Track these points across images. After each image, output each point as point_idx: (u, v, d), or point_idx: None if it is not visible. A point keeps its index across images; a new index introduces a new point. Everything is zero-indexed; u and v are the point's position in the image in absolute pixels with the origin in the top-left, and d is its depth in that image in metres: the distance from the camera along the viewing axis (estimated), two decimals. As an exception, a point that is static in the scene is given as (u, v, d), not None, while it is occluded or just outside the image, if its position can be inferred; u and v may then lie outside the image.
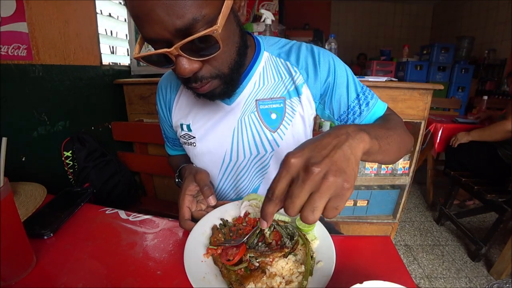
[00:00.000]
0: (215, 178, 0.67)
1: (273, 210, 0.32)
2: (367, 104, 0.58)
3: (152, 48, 0.42)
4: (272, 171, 0.65)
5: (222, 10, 0.40)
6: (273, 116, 0.59)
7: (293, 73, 0.58)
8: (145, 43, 0.46)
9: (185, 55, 0.40)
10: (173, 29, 0.37)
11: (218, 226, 0.50)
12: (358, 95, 0.58)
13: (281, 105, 0.59)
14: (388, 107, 0.61)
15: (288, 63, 0.59)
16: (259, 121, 0.59)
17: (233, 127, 0.60)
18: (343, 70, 0.58)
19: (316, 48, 0.59)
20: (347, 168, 0.30)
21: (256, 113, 0.59)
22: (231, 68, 0.48)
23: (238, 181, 0.66)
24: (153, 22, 0.37)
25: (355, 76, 0.60)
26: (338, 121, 0.61)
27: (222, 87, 0.49)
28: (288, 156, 0.30)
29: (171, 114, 0.67)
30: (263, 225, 0.33)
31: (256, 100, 0.59)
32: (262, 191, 0.68)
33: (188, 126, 0.63)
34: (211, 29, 0.38)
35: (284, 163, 0.30)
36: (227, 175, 0.66)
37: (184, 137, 0.65)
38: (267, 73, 0.59)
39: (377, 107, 0.59)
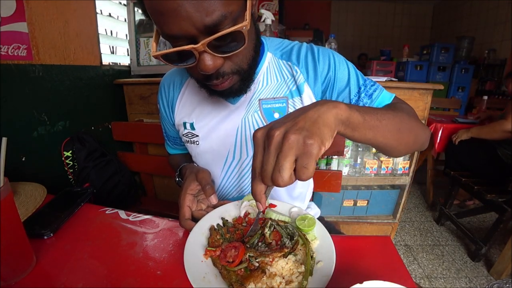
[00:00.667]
0: (218, 177, 0.68)
1: (261, 188, 0.33)
2: (370, 96, 0.56)
3: (169, 45, 0.42)
4: None
5: (248, 6, 0.40)
6: (276, 115, 0.60)
7: (295, 73, 0.59)
8: (160, 41, 0.45)
9: (210, 51, 0.40)
10: (202, 25, 0.37)
11: (215, 227, 0.50)
12: (360, 88, 0.57)
13: (284, 104, 0.60)
14: (396, 96, 0.58)
15: (290, 63, 0.60)
16: (262, 120, 0.60)
17: (237, 126, 0.61)
18: (343, 64, 0.58)
19: (315, 47, 0.59)
20: (311, 127, 0.29)
21: (259, 112, 0.60)
22: (249, 64, 0.49)
23: (241, 180, 0.66)
24: (181, 18, 0.37)
25: (357, 70, 0.58)
26: None
27: (239, 84, 0.50)
28: (254, 131, 0.32)
29: (174, 113, 0.67)
30: (259, 207, 0.34)
31: (259, 100, 0.59)
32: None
33: (192, 125, 0.63)
34: (240, 25, 0.38)
35: (253, 139, 0.32)
36: (229, 174, 0.67)
37: (187, 135, 0.65)
38: (270, 73, 0.60)
39: (381, 99, 0.56)
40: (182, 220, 0.51)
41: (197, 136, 0.63)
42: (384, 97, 0.57)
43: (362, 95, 0.56)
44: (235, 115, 0.60)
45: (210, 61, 0.41)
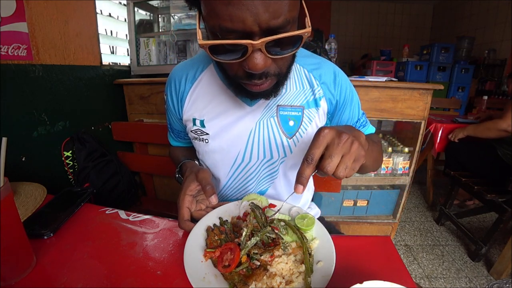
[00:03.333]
0: (223, 177, 0.67)
1: (310, 174, 0.38)
2: (364, 125, 0.68)
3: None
4: (281, 178, 0.66)
5: (306, 12, 0.41)
6: (291, 123, 0.60)
7: (315, 86, 0.60)
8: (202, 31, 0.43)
9: (265, 50, 0.39)
10: (266, 26, 0.37)
11: (212, 227, 0.50)
12: (359, 119, 0.66)
13: (299, 113, 0.60)
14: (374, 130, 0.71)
15: (311, 74, 0.60)
16: (277, 126, 0.60)
17: (251, 128, 0.60)
18: (355, 94, 0.65)
19: (337, 70, 0.62)
20: (362, 142, 0.39)
21: (275, 118, 0.60)
22: (288, 68, 0.49)
23: (246, 183, 0.66)
24: (248, 14, 0.36)
25: (359, 101, 0.67)
26: None
27: (274, 87, 0.49)
28: (323, 129, 0.37)
29: (183, 107, 0.65)
30: (299, 190, 0.38)
31: (278, 106, 0.60)
32: (270, 196, 0.68)
33: (202, 122, 0.62)
34: (304, 30, 0.39)
35: (321, 134, 0.37)
36: (236, 176, 0.66)
37: (195, 132, 0.64)
38: (290, 80, 0.60)
39: (369, 130, 0.69)
40: (181, 221, 0.50)
41: (207, 134, 0.62)
42: (370, 130, 0.69)
43: (360, 123, 0.67)
44: (250, 117, 0.60)
45: (261, 60, 0.40)
